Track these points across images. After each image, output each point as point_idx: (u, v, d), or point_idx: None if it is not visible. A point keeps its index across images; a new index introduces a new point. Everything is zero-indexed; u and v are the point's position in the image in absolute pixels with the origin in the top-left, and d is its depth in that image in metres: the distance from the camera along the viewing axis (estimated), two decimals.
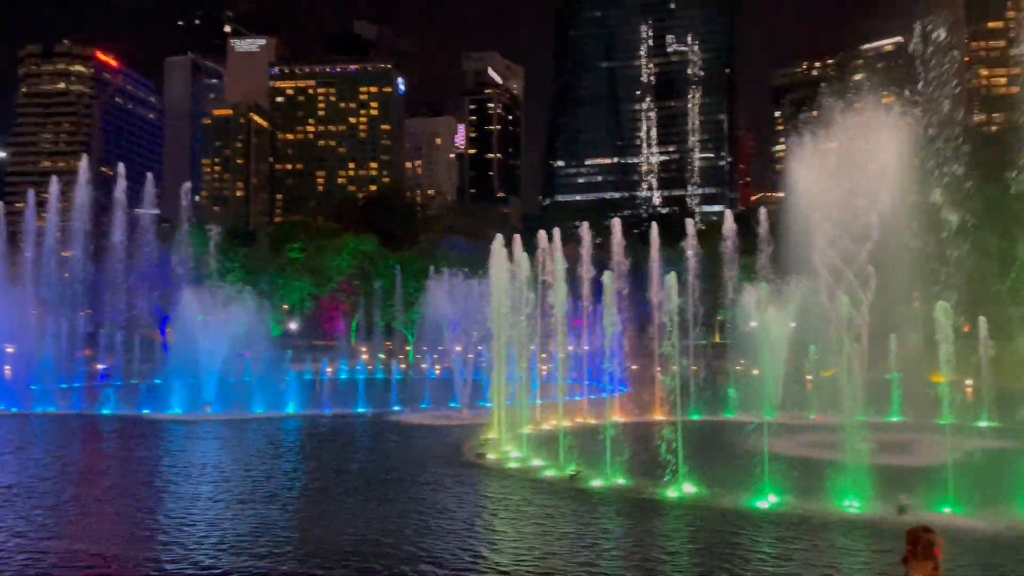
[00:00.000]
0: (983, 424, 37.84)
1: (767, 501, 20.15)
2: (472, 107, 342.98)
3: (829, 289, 33.52)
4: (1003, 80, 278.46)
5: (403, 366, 72.83)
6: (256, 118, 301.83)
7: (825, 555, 16.20)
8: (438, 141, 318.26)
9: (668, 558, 16.04)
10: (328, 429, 38.75)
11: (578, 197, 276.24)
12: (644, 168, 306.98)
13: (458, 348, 78.22)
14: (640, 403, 42.33)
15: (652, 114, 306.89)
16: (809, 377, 47.00)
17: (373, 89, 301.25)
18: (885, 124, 41.85)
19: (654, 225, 47.60)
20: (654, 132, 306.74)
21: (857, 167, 37.89)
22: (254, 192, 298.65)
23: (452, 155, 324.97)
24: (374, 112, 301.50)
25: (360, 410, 44.63)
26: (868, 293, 43.97)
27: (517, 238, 36.05)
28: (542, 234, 37.98)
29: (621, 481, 23.05)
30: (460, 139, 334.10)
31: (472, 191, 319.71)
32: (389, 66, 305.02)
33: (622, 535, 17.98)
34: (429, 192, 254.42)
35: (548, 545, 16.91)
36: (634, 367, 57.23)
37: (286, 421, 40.90)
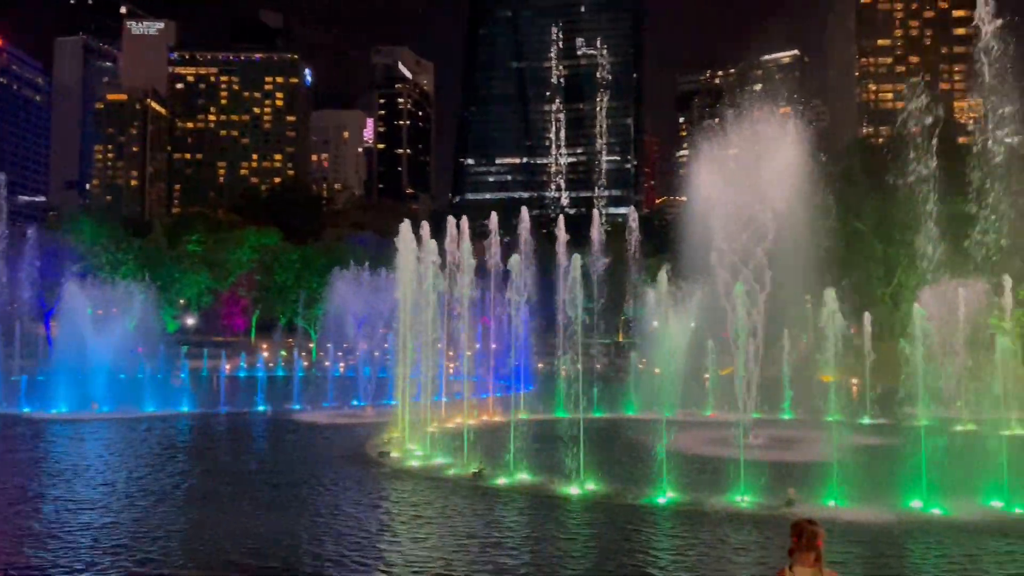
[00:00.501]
0: (867, 421, 39.86)
1: (665, 497, 20.63)
2: (381, 101, 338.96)
3: (727, 291, 34.59)
4: (890, 95, 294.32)
5: (306, 363, 71.21)
6: (154, 104, 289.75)
7: (718, 548, 16.67)
8: (346, 135, 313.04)
9: (570, 556, 16.17)
10: (224, 428, 37.52)
11: (487, 196, 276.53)
12: (553, 169, 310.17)
13: (363, 345, 77.17)
14: (545, 401, 42.70)
15: (561, 116, 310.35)
16: (707, 375, 48.46)
17: (279, 79, 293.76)
18: (781, 133, 43.50)
19: (561, 220, 47.85)
20: (563, 134, 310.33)
21: (754, 174, 39.21)
22: (150, 182, 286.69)
23: (360, 150, 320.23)
24: (279, 103, 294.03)
25: (259, 408, 43.41)
26: (763, 295, 45.60)
27: (425, 224, 35.55)
28: (451, 220, 37.43)
29: (524, 478, 23.16)
30: (369, 134, 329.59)
31: (380, 187, 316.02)
32: (296, 56, 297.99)
33: (524, 533, 18.04)
34: (336, 186, 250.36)
35: (450, 545, 16.80)
36: (540, 365, 57.77)
37: (179, 420, 39.38)
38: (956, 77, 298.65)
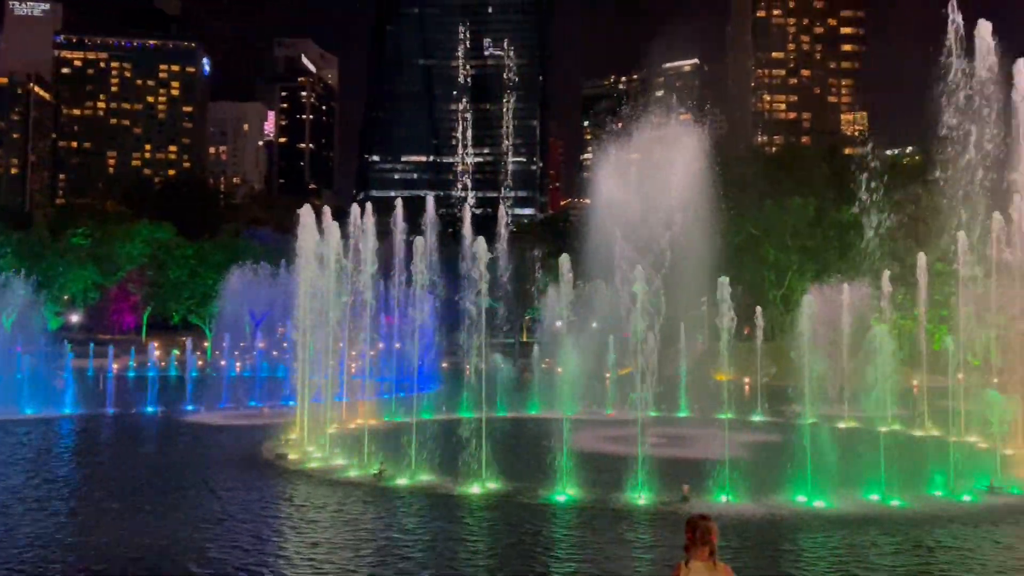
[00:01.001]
0: (757, 419, 41.44)
1: (564, 495, 20.87)
2: (283, 94, 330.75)
3: (628, 292, 35.31)
4: (783, 105, 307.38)
5: (200, 363, 68.73)
6: (37, 89, 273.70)
7: (615, 544, 16.97)
8: (246, 127, 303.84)
9: (471, 556, 16.14)
10: (111, 431, 35.79)
11: (392, 193, 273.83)
12: (459, 168, 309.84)
13: (260, 344, 75.04)
14: (448, 400, 42.57)
15: (468, 115, 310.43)
16: (608, 375, 49.37)
17: (175, 67, 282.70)
18: (680, 140, 44.78)
19: (467, 213, 47.44)
20: (469, 133, 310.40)
21: (654, 179, 40.22)
22: (32, 170, 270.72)
23: (260, 143, 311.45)
24: (175, 92, 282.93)
25: (149, 409, 41.63)
26: (661, 296, 46.67)
27: (327, 211, 34.63)
28: (355, 209, 36.50)
29: (426, 479, 23.01)
30: (270, 127, 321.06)
31: (281, 182, 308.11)
32: (193, 45, 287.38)
33: (424, 534, 17.89)
34: (234, 180, 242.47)
35: (346, 548, 16.50)
36: (444, 365, 57.54)
37: (62, 422, 37.33)
38: (843, 91, 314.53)
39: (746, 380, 50.97)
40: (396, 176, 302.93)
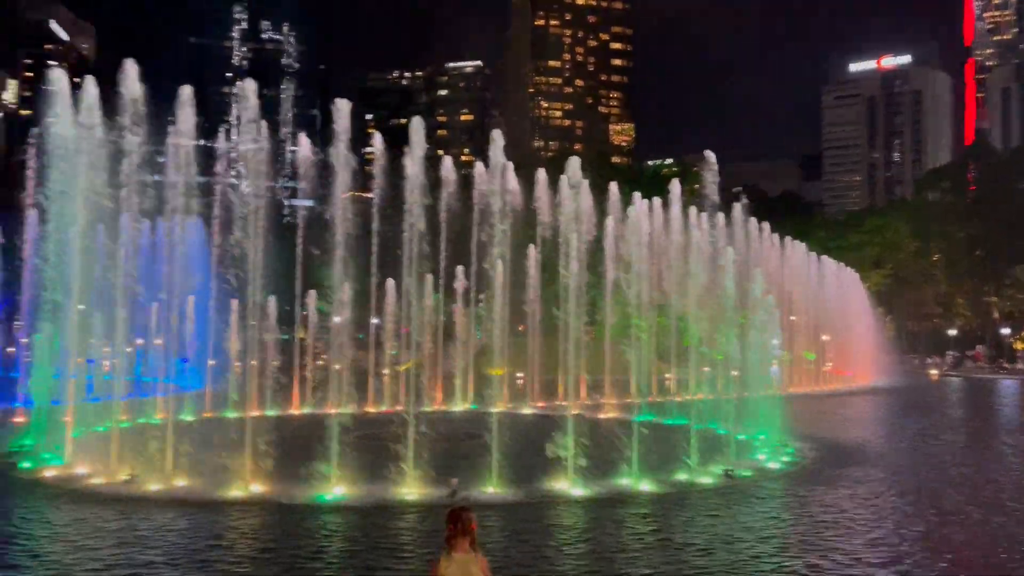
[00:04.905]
0: (528, 410, 43.18)
1: (332, 493, 20.51)
2: (28, 62, 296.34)
3: (409, 290, 35.34)
4: (559, 113, 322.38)
5: None
6: None
7: (387, 538, 16.93)
8: None
9: (235, 563, 15.37)
10: None
11: (158, 177, 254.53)
12: (233, 154, 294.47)
13: None
14: (214, 399, 40.40)
15: (242, 99, 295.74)
16: (386, 371, 49.21)
17: None
18: (460, 140, 45.54)
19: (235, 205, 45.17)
20: (244, 118, 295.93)
21: (430, 176, 40.47)
22: None
23: (1, 113, 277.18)
24: None
25: None
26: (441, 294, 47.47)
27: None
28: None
29: (182, 483, 21.63)
30: (11, 96, 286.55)
31: (23, 158, 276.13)
32: None
33: (180, 542, 16.78)
34: None
35: (86, 559, 15.09)
36: (211, 362, 54.39)
37: None
38: (613, 102, 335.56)
39: (519, 375, 53.01)
40: (159, 160, 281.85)
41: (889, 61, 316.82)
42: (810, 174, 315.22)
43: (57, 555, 15.53)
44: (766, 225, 65.14)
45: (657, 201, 46.48)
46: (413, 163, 27.60)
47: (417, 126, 29.06)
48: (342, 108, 26.96)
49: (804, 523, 18.80)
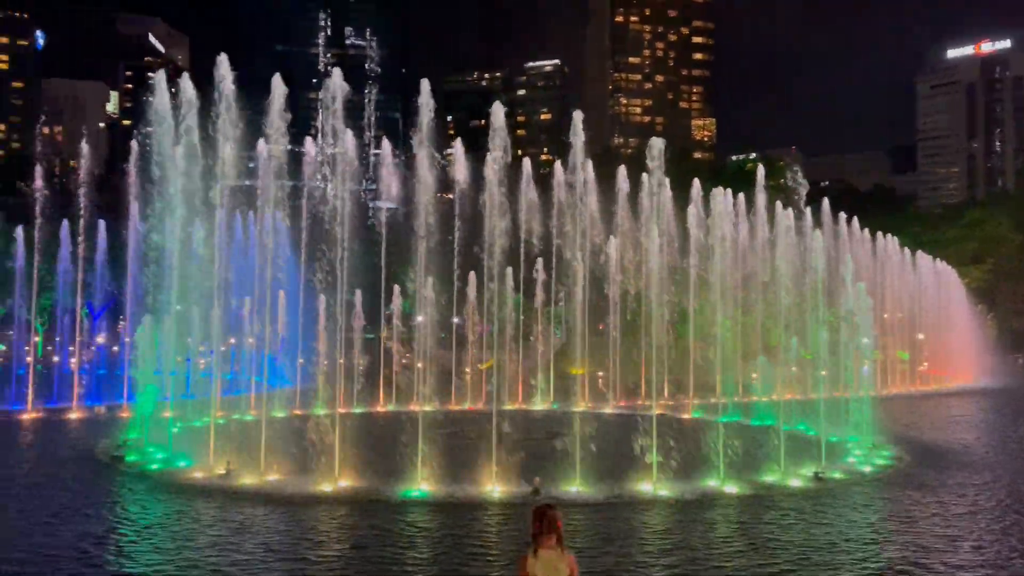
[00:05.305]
0: (610, 409, 42.90)
1: (419, 489, 20.85)
2: (128, 74, 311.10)
3: (489, 289, 35.61)
4: (639, 109, 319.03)
5: (29, 359, 63.75)
6: None
7: (472, 536, 17.12)
8: (85, 107, 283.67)
9: (320, 555, 15.82)
10: None
11: (247, 182, 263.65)
12: (319, 159, 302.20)
13: (100, 339, 70.42)
14: (304, 396, 41.60)
15: (328, 105, 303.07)
16: (467, 370, 49.71)
17: (3, 39, 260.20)
18: (539, 140, 45.57)
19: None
20: (329, 123, 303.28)
21: (511, 176, 40.67)
22: None
23: (103, 124, 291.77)
24: (3, 66, 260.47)
25: None
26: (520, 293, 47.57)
27: None
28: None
29: (275, 478, 22.36)
30: (113, 108, 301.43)
31: (125, 166, 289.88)
32: (26, 15, 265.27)
33: (269, 533, 17.38)
34: (71, 163, 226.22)
35: (189, 552, 15.78)
36: (301, 361, 56.02)
37: None
38: (694, 97, 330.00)
39: (600, 374, 52.73)
40: (251, 164, 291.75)
41: (988, 46, 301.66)
42: (901, 166, 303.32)
43: (159, 545, 16.28)
44: (855, 220, 63.06)
45: (741, 197, 45.54)
46: (494, 159, 27.57)
47: (497, 111, 28.23)
48: (424, 111, 27.25)
49: (900, 529, 18.11)
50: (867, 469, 25.24)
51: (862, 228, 64.86)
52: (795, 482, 22.84)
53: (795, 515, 19.46)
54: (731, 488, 21.71)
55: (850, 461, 26.25)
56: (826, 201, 52.90)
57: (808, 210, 46.46)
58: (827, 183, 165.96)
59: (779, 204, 39.61)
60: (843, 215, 59.99)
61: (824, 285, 30.07)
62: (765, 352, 36.25)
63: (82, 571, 14.34)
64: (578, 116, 32.96)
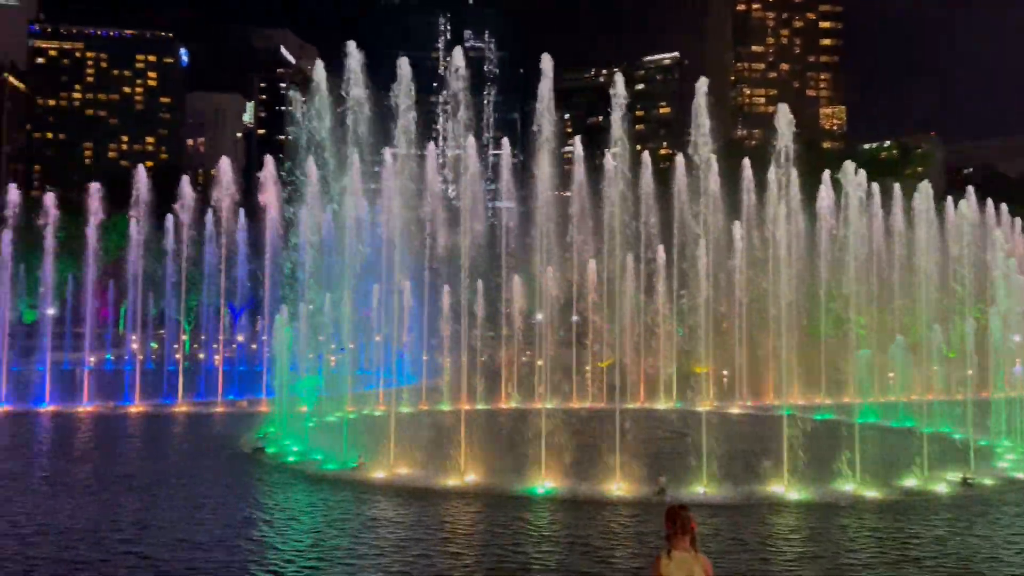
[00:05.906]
0: (736, 409, 41.75)
1: (543, 486, 20.98)
2: (262, 85, 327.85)
3: (613, 288, 35.41)
4: (762, 99, 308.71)
5: (178, 356, 68.29)
6: (12, 79, 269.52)
7: (599, 534, 17.08)
8: (224, 118, 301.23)
9: (459, 554, 16.19)
10: (90, 423, 35.45)
11: (373, 186, 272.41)
12: (440, 160, 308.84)
13: (240, 338, 74.60)
14: (429, 393, 42.61)
15: (448, 107, 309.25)
16: (588, 367, 49.56)
17: (152, 58, 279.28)
18: (658, 135, 44.90)
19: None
20: (450, 126, 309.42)
21: (633, 173, 40.31)
22: (7, 161, 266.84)
23: (240, 134, 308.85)
24: (152, 83, 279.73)
25: (124, 403, 41.31)
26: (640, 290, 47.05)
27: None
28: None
29: (404, 471, 23.02)
30: (248, 118, 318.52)
31: (259, 174, 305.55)
32: (171, 35, 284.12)
33: (401, 526, 17.92)
34: (212, 172, 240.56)
35: (325, 542, 16.48)
36: (424, 357, 57.44)
37: (38, 417, 36.95)
38: (822, 85, 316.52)
39: (724, 373, 51.40)
40: (376, 168, 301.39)
41: None
42: None
43: (297, 536, 17.10)
44: (1004, 208, 58.72)
45: (876, 187, 43.30)
46: (612, 160, 27.36)
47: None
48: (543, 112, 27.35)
49: None
50: (1020, 475, 23.53)
51: (1013, 216, 60.39)
52: (940, 488, 21.56)
53: (940, 523, 18.36)
54: (870, 492, 20.72)
55: (1000, 466, 24.55)
56: (970, 189, 49.55)
57: (949, 200, 43.71)
58: (970, 170, 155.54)
59: (927, 184, 36.98)
60: (990, 203, 56.01)
61: (971, 278, 28.18)
62: (905, 350, 34.33)
63: (230, 556, 15.24)
64: (701, 90, 29.70)
